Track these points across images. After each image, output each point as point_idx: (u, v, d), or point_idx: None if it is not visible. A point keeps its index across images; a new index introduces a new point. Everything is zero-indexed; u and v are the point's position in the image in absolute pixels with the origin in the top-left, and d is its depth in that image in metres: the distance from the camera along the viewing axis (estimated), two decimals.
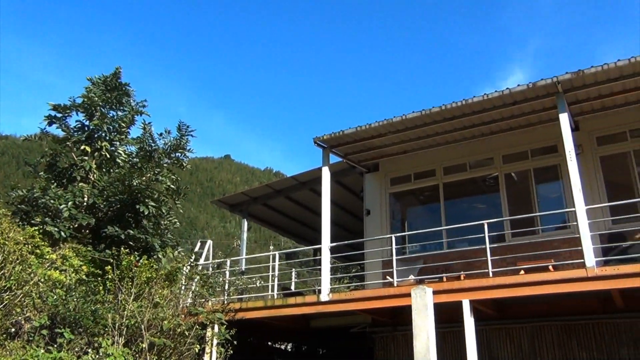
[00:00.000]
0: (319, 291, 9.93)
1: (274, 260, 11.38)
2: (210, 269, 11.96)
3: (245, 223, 14.99)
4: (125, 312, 7.87)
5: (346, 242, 11.90)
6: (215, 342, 9.71)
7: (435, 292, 8.74)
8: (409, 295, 8.36)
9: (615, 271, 7.75)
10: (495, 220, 10.10)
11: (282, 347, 15.64)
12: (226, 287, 11.38)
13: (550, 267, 8.90)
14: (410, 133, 10.87)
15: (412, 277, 10.33)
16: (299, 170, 13.93)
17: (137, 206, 10.69)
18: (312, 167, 12.80)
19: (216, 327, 9.72)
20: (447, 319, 9.51)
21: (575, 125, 10.31)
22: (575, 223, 8.41)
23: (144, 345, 7.74)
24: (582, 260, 8.00)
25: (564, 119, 8.87)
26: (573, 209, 8.50)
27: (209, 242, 12.52)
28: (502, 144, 11.24)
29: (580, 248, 8.11)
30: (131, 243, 10.43)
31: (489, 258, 8.77)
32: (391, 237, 10.03)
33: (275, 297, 11.14)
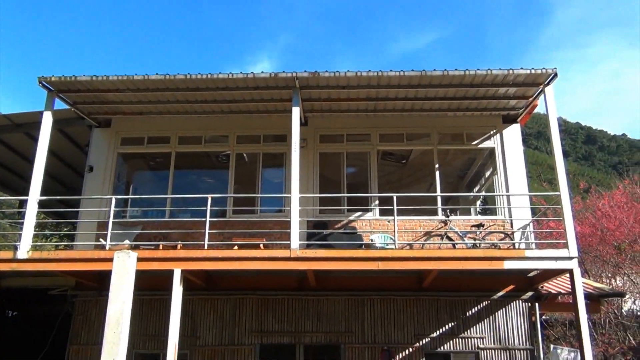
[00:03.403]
0: (17, 247, 8.89)
1: None
2: None
3: None
4: None
5: (59, 197, 10.93)
6: None
7: (149, 259, 8.68)
8: None
9: (313, 254, 8.78)
10: (219, 195, 10.46)
11: None
12: None
13: (261, 246, 9.61)
14: (150, 95, 10.48)
15: (127, 242, 10.00)
16: (18, 110, 12.17)
17: None
18: (33, 109, 11.32)
19: None
20: (158, 286, 9.52)
21: (305, 121, 11.31)
22: (289, 208, 9.24)
23: None
24: (289, 242, 8.83)
25: (296, 112, 9.65)
26: (289, 195, 9.32)
27: None
28: (239, 125, 11.66)
29: (289, 231, 8.94)
30: None
31: (207, 231, 9.04)
32: (111, 198, 9.56)
33: None
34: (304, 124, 11.15)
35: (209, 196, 9.34)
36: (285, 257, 8.75)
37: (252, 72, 9.60)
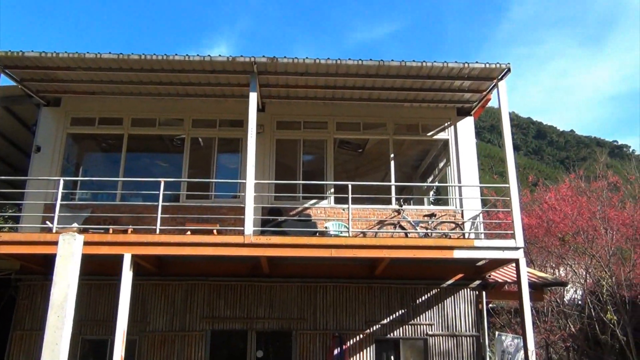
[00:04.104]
0: None
1: None
2: None
3: None
4: None
5: (4, 177, 10.53)
6: None
7: (98, 243, 8.50)
8: None
9: (266, 241, 8.76)
10: (173, 179, 10.27)
11: None
12: None
13: (215, 231, 9.52)
14: (102, 74, 10.18)
15: (76, 225, 9.74)
16: None
17: None
18: None
19: None
20: (108, 271, 9.35)
21: (262, 106, 11.23)
22: (244, 194, 9.17)
23: None
24: (243, 228, 8.78)
25: (253, 98, 9.56)
26: (244, 181, 9.25)
27: None
28: (195, 108, 11.46)
29: (243, 217, 8.88)
30: None
31: (159, 215, 8.89)
32: (59, 179, 9.26)
33: None
34: (261, 109, 11.07)
35: (162, 180, 9.17)
36: (238, 243, 8.70)
37: (209, 55, 9.44)
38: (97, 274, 10.01)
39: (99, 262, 9.52)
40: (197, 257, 9.65)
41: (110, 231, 9.34)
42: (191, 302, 10.40)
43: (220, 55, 9.49)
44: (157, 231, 8.84)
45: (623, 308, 14.46)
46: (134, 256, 8.51)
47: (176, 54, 9.40)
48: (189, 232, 9.32)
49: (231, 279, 10.49)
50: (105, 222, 10.26)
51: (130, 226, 9.59)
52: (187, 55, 9.42)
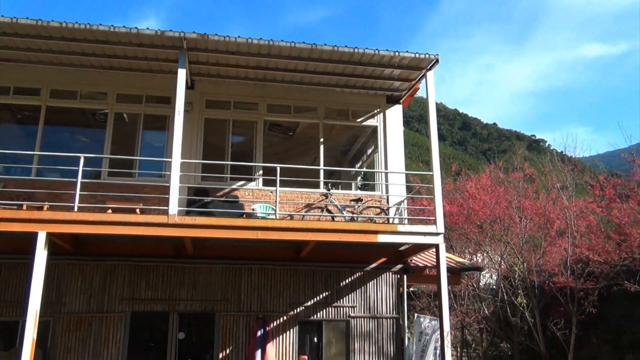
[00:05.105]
0: None
1: None
2: None
3: None
4: None
5: None
6: None
7: (9, 220, 8.07)
8: None
9: (191, 221, 8.61)
10: (94, 155, 9.83)
11: None
12: None
13: (137, 211, 9.24)
14: (19, 41, 9.54)
15: None
16: None
17: None
18: None
19: None
20: (22, 249, 8.86)
21: (191, 84, 10.95)
22: (169, 173, 8.94)
23: None
24: (167, 208, 8.57)
25: (182, 74, 9.28)
26: (169, 160, 9.02)
27: None
28: (120, 83, 10.98)
29: (168, 196, 8.67)
30: None
31: (78, 192, 8.52)
32: None
33: None
34: (190, 87, 10.80)
35: (82, 155, 8.77)
36: (162, 223, 8.49)
37: (136, 28, 9.07)
38: (9, 253, 9.53)
39: (11, 240, 9.07)
40: (117, 236, 9.33)
41: (24, 207, 8.84)
42: (110, 283, 10.07)
43: (148, 29, 9.15)
44: (75, 208, 8.47)
45: (532, 292, 15.37)
46: (49, 234, 8.13)
47: (100, 24, 8.96)
48: (110, 211, 8.98)
49: (153, 260, 10.25)
50: (18, 198, 9.69)
51: (46, 203, 9.12)
52: (112, 25, 9.00)
